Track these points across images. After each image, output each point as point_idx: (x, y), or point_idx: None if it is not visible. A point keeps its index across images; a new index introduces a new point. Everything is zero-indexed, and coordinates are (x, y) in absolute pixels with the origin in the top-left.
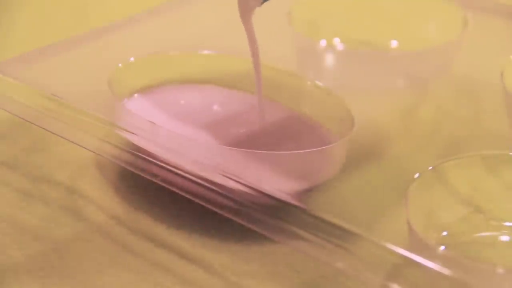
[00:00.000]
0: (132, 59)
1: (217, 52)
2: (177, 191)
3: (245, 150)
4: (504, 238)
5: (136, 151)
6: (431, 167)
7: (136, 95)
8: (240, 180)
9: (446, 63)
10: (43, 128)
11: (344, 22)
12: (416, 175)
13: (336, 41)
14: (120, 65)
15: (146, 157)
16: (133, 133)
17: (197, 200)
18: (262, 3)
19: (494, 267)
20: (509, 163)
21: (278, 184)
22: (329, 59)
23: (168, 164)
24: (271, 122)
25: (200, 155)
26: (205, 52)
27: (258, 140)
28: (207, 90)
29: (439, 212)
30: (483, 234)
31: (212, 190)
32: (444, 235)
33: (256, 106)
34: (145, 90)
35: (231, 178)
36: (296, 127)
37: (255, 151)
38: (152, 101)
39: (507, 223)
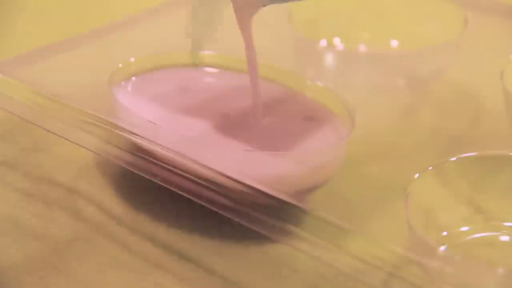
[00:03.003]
0: (132, 59)
1: (217, 52)
2: (177, 191)
3: (244, 150)
4: (504, 238)
5: (136, 151)
6: (431, 167)
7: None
8: (240, 180)
9: (446, 63)
10: (43, 128)
11: (344, 22)
12: (416, 175)
13: (336, 41)
14: (120, 65)
15: (146, 157)
16: (133, 133)
17: (197, 200)
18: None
19: (494, 267)
20: (509, 163)
21: (278, 184)
22: (329, 59)
23: (168, 164)
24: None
25: (199, 154)
26: (205, 52)
27: (256, 137)
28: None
29: (439, 212)
30: (483, 234)
31: (212, 190)
32: (444, 235)
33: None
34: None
35: (231, 178)
36: (295, 126)
37: (255, 151)
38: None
39: (507, 223)
